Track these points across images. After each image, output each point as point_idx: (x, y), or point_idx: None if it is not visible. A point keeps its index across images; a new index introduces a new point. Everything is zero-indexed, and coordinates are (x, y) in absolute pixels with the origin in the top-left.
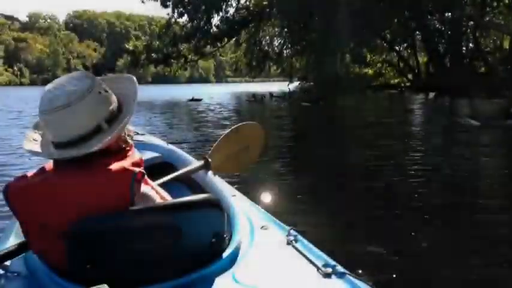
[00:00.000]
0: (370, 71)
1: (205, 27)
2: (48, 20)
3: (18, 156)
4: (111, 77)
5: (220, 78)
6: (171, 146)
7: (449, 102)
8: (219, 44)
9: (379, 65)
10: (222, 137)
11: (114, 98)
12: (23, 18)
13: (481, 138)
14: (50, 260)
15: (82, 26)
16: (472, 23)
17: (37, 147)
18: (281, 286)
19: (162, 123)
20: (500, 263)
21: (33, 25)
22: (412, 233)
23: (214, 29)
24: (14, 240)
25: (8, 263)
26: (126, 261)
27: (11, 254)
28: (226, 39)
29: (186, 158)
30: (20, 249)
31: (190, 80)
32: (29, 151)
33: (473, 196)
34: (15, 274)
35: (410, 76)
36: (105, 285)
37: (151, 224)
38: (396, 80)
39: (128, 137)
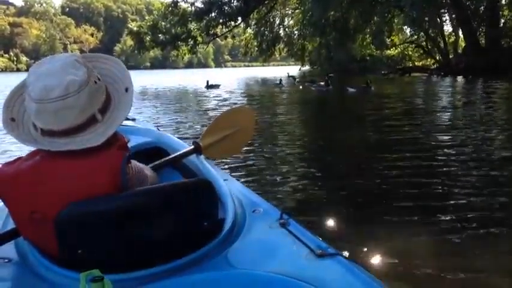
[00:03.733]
0: (394, 53)
1: (220, 2)
2: (44, 5)
3: None
4: (93, 56)
5: (219, 63)
6: (162, 132)
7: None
8: (232, 24)
9: (404, 45)
10: (213, 121)
11: (104, 85)
12: (19, 3)
13: None
14: (41, 246)
15: (78, 10)
16: None
17: (21, 132)
18: (274, 268)
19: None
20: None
21: (29, 10)
22: (406, 218)
23: (227, 7)
24: (4, 226)
25: None
26: (118, 245)
27: (1, 240)
28: (240, 19)
29: (178, 143)
30: (10, 235)
31: (189, 65)
32: (16, 137)
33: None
34: (6, 260)
35: (438, 58)
36: (97, 270)
37: (143, 207)
38: (421, 63)
39: None
